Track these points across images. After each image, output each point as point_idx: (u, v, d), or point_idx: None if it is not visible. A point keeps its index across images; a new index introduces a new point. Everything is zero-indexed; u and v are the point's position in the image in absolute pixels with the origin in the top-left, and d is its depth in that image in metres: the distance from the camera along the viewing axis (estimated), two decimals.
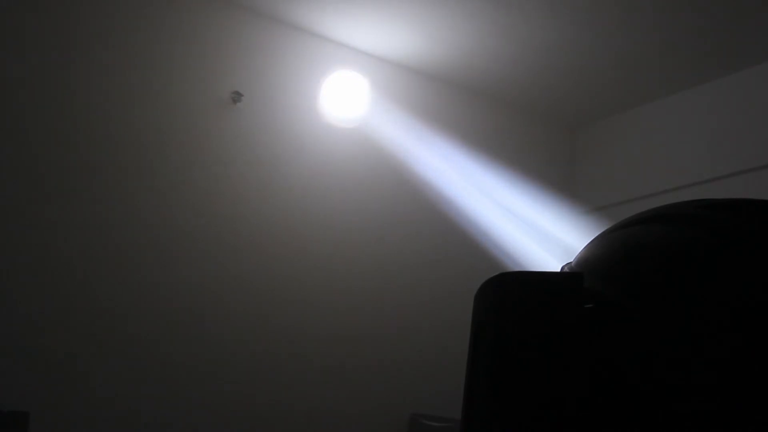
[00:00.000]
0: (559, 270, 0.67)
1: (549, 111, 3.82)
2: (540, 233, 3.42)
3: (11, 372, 2.34)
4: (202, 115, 2.87)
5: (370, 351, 3.07)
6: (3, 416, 2.10)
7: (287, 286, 2.93)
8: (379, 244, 3.19)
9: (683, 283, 0.53)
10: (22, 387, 2.34)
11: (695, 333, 0.50)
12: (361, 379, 3.03)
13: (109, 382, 2.49)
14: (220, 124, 2.90)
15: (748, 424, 0.47)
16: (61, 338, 2.45)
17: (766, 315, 0.49)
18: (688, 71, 3.32)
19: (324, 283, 3.02)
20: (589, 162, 3.91)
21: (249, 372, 2.78)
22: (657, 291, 0.54)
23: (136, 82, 2.76)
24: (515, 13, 2.94)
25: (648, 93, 3.57)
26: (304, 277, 2.97)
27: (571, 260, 0.67)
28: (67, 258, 2.52)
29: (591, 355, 0.53)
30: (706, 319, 0.50)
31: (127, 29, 2.78)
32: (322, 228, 3.06)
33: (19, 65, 2.56)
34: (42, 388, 2.37)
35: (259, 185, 2.95)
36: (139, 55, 2.78)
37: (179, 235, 2.74)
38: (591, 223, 3.72)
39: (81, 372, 2.46)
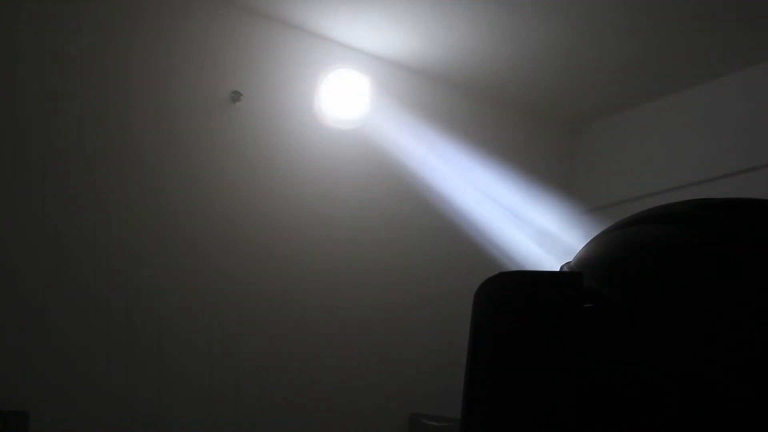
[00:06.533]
0: (558, 270, 0.67)
1: (549, 111, 3.82)
2: (540, 233, 3.42)
3: (11, 372, 2.34)
4: (201, 115, 2.87)
5: (369, 351, 3.07)
6: (3, 416, 2.10)
7: (287, 286, 2.93)
8: (378, 244, 3.19)
9: (683, 283, 0.53)
10: (22, 387, 2.34)
11: (695, 333, 0.50)
12: (361, 379, 3.03)
13: (109, 381, 2.49)
14: (219, 123, 2.90)
15: (748, 424, 0.47)
16: (62, 338, 2.45)
17: (766, 315, 0.49)
18: (688, 71, 3.32)
19: (323, 283, 3.02)
20: (589, 161, 3.91)
21: (249, 372, 2.78)
22: (656, 291, 0.54)
23: (135, 82, 2.76)
24: (515, 12, 2.94)
25: (648, 93, 3.57)
26: (303, 277, 2.97)
27: (571, 260, 0.67)
28: (67, 257, 2.52)
29: (590, 355, 0.53)
30: (706, 319, 0.50)
31: (126, 29, 2.78)
32: (321, 228, 3.06)
33: (19, 65, 2.56)
34: (42, 388, 2.37)
35: (258, 185, 2.95)
36: (138, 56, 2.78)
37: (179, 234, 2.74)
38: (591, 222, 3.72)
39: (81, 372, 2.45)
